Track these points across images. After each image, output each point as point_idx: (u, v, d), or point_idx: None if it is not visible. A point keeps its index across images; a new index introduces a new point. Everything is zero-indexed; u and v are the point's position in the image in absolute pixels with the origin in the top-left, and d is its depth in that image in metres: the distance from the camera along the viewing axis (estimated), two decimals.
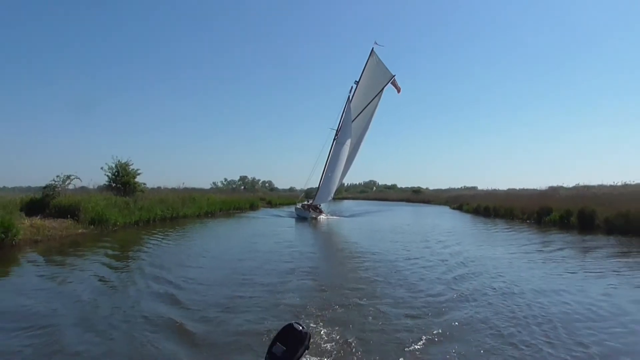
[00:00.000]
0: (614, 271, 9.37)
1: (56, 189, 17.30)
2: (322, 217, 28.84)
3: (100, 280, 8.29)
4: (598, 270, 9.45)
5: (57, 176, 17.54)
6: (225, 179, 79.09)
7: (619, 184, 23.54)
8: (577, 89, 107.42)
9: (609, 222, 16.50)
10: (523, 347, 4.78)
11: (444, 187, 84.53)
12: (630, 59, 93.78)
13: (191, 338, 5.06)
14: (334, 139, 31.16)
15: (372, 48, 31.24)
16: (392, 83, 30.82)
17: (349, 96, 31.37)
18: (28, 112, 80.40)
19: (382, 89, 30.93)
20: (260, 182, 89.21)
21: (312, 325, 5.32)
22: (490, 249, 13.02)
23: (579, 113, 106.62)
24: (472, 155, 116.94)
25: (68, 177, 17.75)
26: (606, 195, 19.12)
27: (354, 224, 24.96)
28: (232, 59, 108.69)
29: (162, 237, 15.92)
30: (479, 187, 64.75)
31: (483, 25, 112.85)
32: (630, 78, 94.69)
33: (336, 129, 31.33)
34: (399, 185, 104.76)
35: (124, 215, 18.55)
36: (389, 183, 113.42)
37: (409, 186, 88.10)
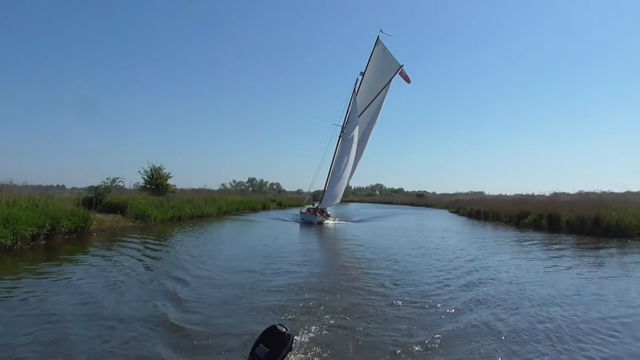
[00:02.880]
0: (567, 257, 12.70)
1: (106, 189, 20.79)
2: (330, 221, 27.05)
3: (145, 257, 11.31)
4: (550, 257, 12.57)
5: (107, 178, 21.05)
6: (234, 181, 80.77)
7: (585, 191, 26.41)
8: (585, 96, 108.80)
9: (569, 224, 19.52)
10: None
11: (451, 191, 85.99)
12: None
13: (180, 336, 5.16)
14: (340, 136, 29.03)
15: (378, 36, 28.79)
16: (400, 74, 28.64)
17: (354, 89, 28.91)
18: (33, 114, 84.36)
19: (390, 80, 28.68)
20: (268, 184, 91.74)
21: (302, 325, 5.40)
22: (480, 246, 15.57)
23: (587, 120, 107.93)
24: (480, 160, 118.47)
25: (115, 179, 21.26)
26: (572, 201, 22.09)
27: (363, 228, 24.45)
28: (240, 61, 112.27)
29: (191, 231, 19.34)
30: (486, 192, 64.10)
31: (489, 31, 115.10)
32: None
33: (341, 125, 29.12)
34: (405, 189, 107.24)
35: (160, 212, 22.00)
36: (395, 187, 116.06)
37: (416, 190, 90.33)
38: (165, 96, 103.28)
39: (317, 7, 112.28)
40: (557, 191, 31.81)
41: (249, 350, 1.85)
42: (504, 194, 48.24)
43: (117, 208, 20.13)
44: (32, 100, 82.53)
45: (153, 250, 12.70)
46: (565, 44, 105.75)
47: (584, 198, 23.10)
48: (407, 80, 28.74)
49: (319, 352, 4.60)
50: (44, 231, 12.46)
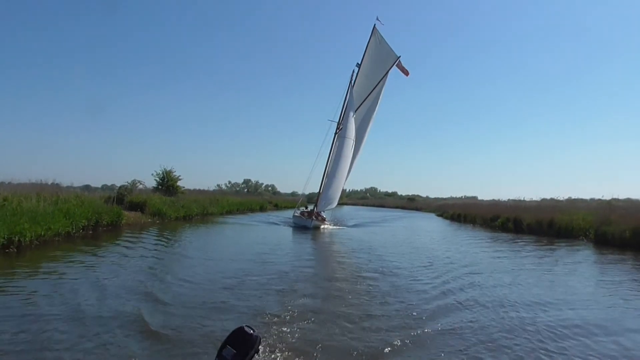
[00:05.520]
0: (523, 253, 15.81)
1: (128, 189, 23.53)
2: (326, 226, 25.32)
3: (160, 251, 14.21)
4: (506, 251, 15.81)
5: (131, 180, 23.85)
6: (229, 182, 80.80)
7: (548, 198, 29.84)
8: (583, 104, 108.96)
9: (530, 226, 22.76)
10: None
11: (445, 195, 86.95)
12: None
13: (152, 335, 5.25)
14: (335, 133, 27.33)
15: (374, 25, 27.38)
16: (397, 66, 27.32)
17: (350, 81, 27.48)
18: (32, 113, 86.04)
19: (387, 72, 27.35)
20: (264, 185, 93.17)
21: (270, 327, 5.50)
22: (458, 242, 19.23)
23: (587, 125, 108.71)
24: (476, 165, 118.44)
25: (137, 181, 24.06)
26: (535, 206, 25.39)
27: (363, 232, 24.02)
28: (238, 63, 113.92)
29: (199, 228, 22.34)
30: (479, 197, 65.55)
31: (489, 37, 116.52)
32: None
33: (337, 121, 27.45)
34: (399, 193, 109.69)
35: (174, 211, 24.76)
36: (390, 190, 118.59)
37: (410, 194, 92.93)
38: (162, 98, 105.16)
39: (316, 6, 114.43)
40: (547, 197, 34.68)
41: (216, 352, 1.88)
42: (497, 198, 48.39)
43: (137, 206, 22.85)
44: (32, 100, 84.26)
45: (167, 246, 14.51)
46: (570, 49, 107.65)
47: (545, 203, 26.44)
48: (405, 72, 27.51)
49: (286, 353, 4.70)
50: (91, 223, 15.22)
